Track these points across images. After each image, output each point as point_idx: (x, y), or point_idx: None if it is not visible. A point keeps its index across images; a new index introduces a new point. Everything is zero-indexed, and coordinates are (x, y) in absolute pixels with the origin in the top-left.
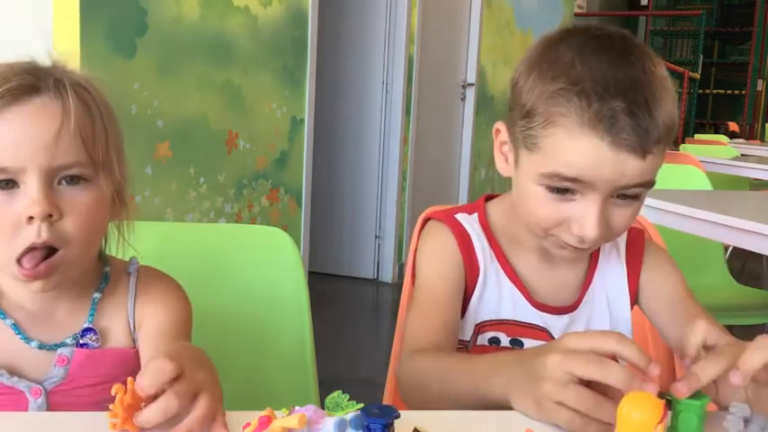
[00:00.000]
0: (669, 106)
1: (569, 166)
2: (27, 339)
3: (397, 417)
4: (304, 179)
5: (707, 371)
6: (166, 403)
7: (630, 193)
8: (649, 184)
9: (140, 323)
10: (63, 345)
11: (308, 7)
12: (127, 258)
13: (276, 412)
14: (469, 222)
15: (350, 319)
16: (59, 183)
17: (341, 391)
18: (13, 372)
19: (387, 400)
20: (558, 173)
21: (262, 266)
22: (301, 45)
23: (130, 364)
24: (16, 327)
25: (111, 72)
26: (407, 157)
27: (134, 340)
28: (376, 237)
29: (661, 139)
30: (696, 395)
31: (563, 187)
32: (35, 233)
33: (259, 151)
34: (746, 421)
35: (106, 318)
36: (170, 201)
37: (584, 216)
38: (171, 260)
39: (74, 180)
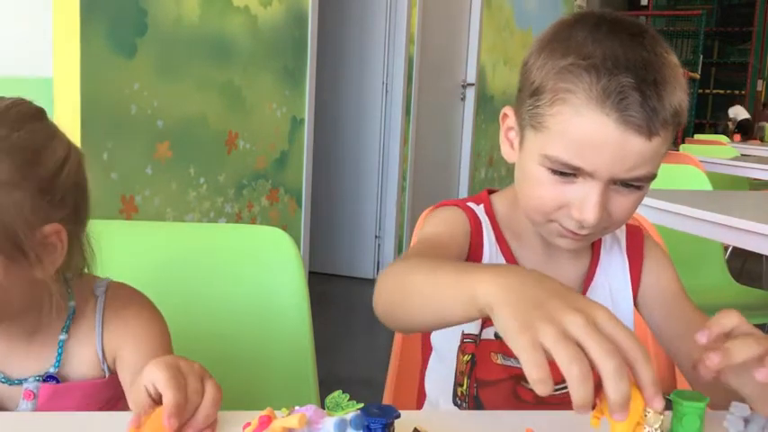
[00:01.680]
0: (678, 92)
1: (572, 148)
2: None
3: (398, 417)
4: (304, 179)
5: (742, 350)
6: (204, 413)
7: (632, 183)
8: (651, 176)
9: (113, 352)
10: (27, 380)
11: (307, 7)
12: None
13: (276, 412)
14: (479, 212)
15: (350, 319)
16: None
17: (341, 391)
18: None
19: (387, 400)
20: (560, 158)
21: (262, 266)
22: (301, 45)
23: (101, 394)
24: None
25: (111, 72)
26: (407, 157)
27: (103, 370)
28: (376, 237)
29: (668, 123)
30: (696, 397)
31: (564, 172)
32: None
33: (259, 151)
34: (746, 421)
35: (72, 355)
36: (170, 201)
37: (584, 200)
38: (171, 260)
39: None
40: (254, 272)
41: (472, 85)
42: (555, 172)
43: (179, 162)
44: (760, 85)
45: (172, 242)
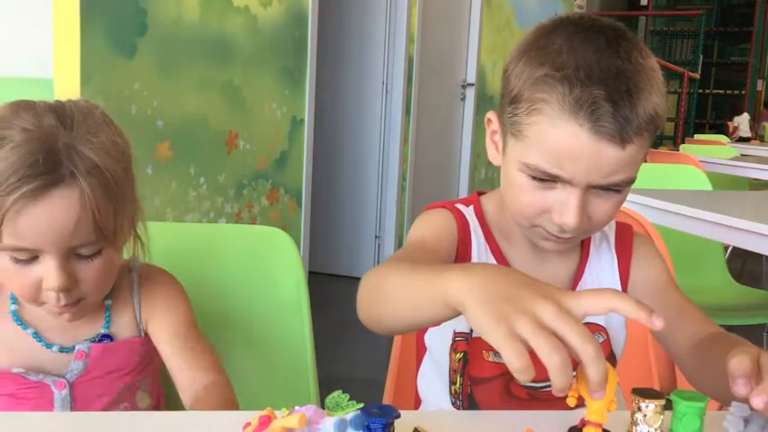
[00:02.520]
0: (654, 98)
1: (550, 158)
2: (48, 345)
3: (398, 417)
4: (304, 179)
5: None
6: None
7: (611, 188)
8: (629, 180)
9: (147, 319)
10: (80, 343)
11: (308, 7)
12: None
13: (276, 412)
14: (467, 214)
15: (350, 319)
16: (73, 256)
17: (341, 390)
18: (38, 371)
19: (387, 400)
20: (539, 166)
21: (262, 266)
22: (301, 45)
23: (137, 351)
24: (37, 335)
25: (111, 72)
26: (407, 157)
27: (140, 330)
28: (376, 237)
29: (642, 130)
30: (696, 397)
31: (543, 178)
32: (55, 299)
33: (259, 151)
34: (746, 421)
35: (117, 318)
36: (170, 201)
37: (564, 205)
38: (171, 260)
39: (86, 256)
40: (254, 272)
41: (472, 85)
42: (535, 178)
43: (179, 162)
44: (760, 85)
45: (172, 242)
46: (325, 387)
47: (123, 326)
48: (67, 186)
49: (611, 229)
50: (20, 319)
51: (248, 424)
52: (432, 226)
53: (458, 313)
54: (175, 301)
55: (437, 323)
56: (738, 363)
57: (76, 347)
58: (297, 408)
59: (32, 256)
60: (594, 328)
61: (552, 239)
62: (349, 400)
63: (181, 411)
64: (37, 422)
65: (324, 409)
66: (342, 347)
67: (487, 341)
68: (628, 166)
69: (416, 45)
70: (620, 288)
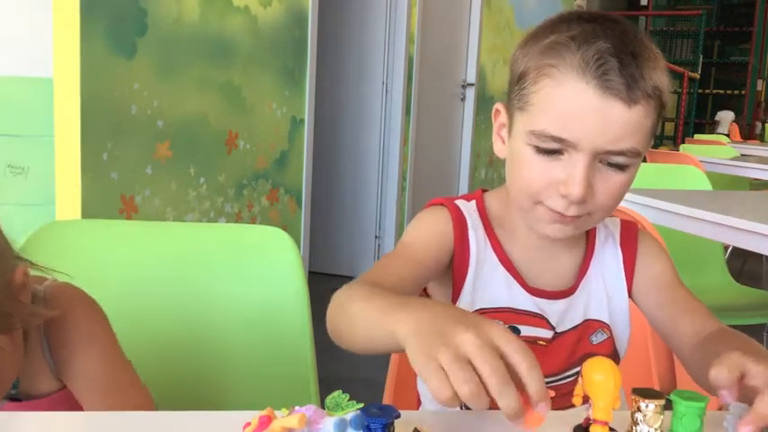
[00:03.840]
0: (659, 72)
1: (556, 120)
2: None
3: (398, 417)
4: (304, 179)
5: None
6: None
7: (617, 162)
8: (636, 153)
9: (64, 366)
10: None
11: (308, 7)
12: None
13: (276, 412)
14: (467, 209)
15: None
16: None
17: (341, 390)
18: None
19: (387, 401)
20: (545, 131)
21: (262, 266)
22: (301, 45)
23: (63, 408)
24: None
25: (111, 72)
26: (407, 157)
27: (60, 381)
28: (376, 237)
29: (649, 96)
30: (696, 397)
31: (550, 148)
32: None
33: (259, 151)
34: None
35: (26, 372)
36: (170, 201)
37: (570, 175)
38: (171, 260)
39: None
40: (254, 272)
41: (472, 85)
42: (540, 150)
43: (179, 162)
44: (760, 85)
45: (172, 242)
46: (325, 387)
47: (33, 381)
48: None
49: (615, 227)
50: None
51: (248, 424)
52: (423, 230)
53: (403, 348)
54: (92, 332)
55: (391, 353)
56: (716, 374)
57: None
58: (297, 408)
59: None
60: (598, 326)
61: (556, 220)
62: (349, 400)
63: (181, 411)
64: (36, 422)
65: (324, 409)
66: (342, 347)
67: (421, 378)
68: (634, 133)
69: (416, 45)
70: (624, 284)
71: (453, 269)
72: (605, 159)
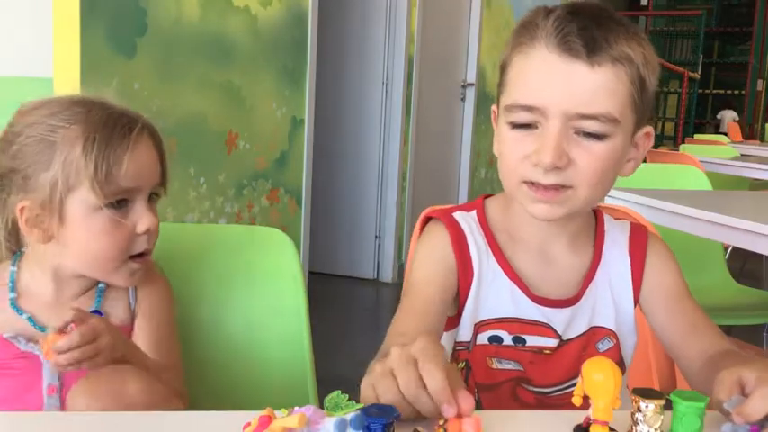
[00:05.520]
0: (632, 44)
1: (525, 90)
2: (41, 328)
3: (398, 417)
4: (304, 179)
5: (758, 409)
6: (70, 338)
7: (593, 130)
8: (608, 118)
9: (137, 311)
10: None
11: (307, 7)
12: None
13: (276, 412)
14: (467, 220)
15: (350, 319)
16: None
17: (341, 391)
18: (29, 339)
19: None
20: (516, 102)
21: (261, 266)
22: (301, 45)
23: (126, 333)
24: (32, 319)
25: (111, 72)
26: (407, 157)
27: (131, 317)
28: (376, 237)
29: (615, 61)
30: (696, 397)
31: (523, 122)
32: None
33: (259, 151)
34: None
35: (109, 300)
36: (170, 201)
37: (542, 143)
38: (171, 260)
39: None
40: (254, 272)
41: (472, 85)
42: (516, 126)
43: (179, 162)
44: (760, 85)
45: (172, 242)
46: (325, 387)
47: (115, 308)
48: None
49: (624, 231)
50: (17, 307)
51: (248, 424)
52: (426, 266)
53: None
54: (167, 304)
55: None
56: (720, 400)
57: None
58: (297, 408)
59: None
60: (604, 333)
61: (539, 198)
62: (349, 400)
63: (181, 411)
64: (36, 422)
65: (323, 409)
66: (342, 347)
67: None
68: (603, 97)
69: (416, 45)
70: (631, 292)
71: (458, 282)
72: (580, 128)
